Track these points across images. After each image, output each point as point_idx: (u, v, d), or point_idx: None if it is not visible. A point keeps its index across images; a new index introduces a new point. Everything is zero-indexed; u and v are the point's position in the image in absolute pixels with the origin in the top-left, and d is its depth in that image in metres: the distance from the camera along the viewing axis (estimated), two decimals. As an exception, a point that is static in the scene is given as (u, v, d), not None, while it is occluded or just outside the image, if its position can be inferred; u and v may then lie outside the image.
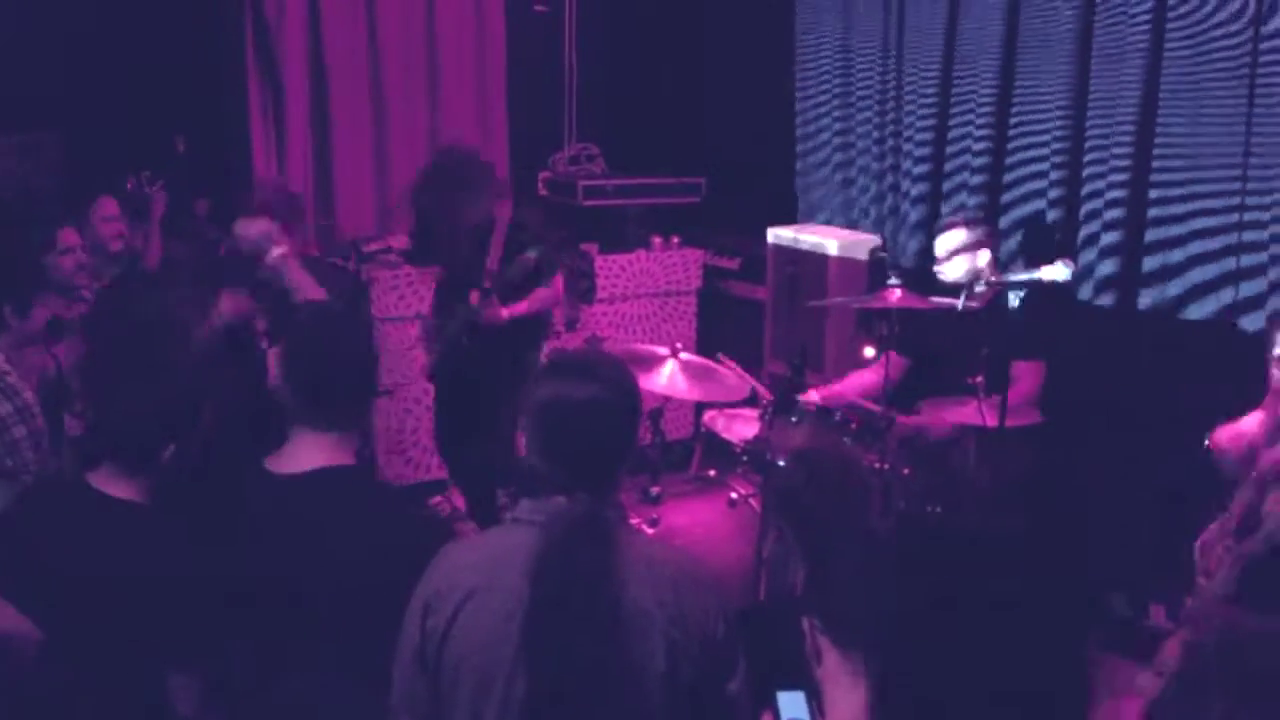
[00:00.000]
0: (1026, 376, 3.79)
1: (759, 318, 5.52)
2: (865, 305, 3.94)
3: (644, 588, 1.91)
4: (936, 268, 4.00)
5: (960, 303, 3.50)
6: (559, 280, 4.51)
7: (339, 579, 2.20)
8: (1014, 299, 3.51)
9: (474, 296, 4.24)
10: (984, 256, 3.92)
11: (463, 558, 2.03)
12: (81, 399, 3.39)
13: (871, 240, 5.06)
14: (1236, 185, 3.85)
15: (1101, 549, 3.88)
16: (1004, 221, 4.52)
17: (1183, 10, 3.91)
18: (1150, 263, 4.06)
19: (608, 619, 1.87)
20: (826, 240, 5.10)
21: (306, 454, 2.34)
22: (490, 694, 1.90)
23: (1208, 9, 3.84)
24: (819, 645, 1.62)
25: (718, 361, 4.23)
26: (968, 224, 3.99)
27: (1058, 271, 3.13)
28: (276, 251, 3.49)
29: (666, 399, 4.23)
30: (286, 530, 2.26)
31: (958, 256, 3.94)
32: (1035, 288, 3.29)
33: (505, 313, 4.26)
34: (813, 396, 3.96)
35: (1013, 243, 4.49)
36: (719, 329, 5.77)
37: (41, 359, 3.60)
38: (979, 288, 3.75)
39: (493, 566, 1.95)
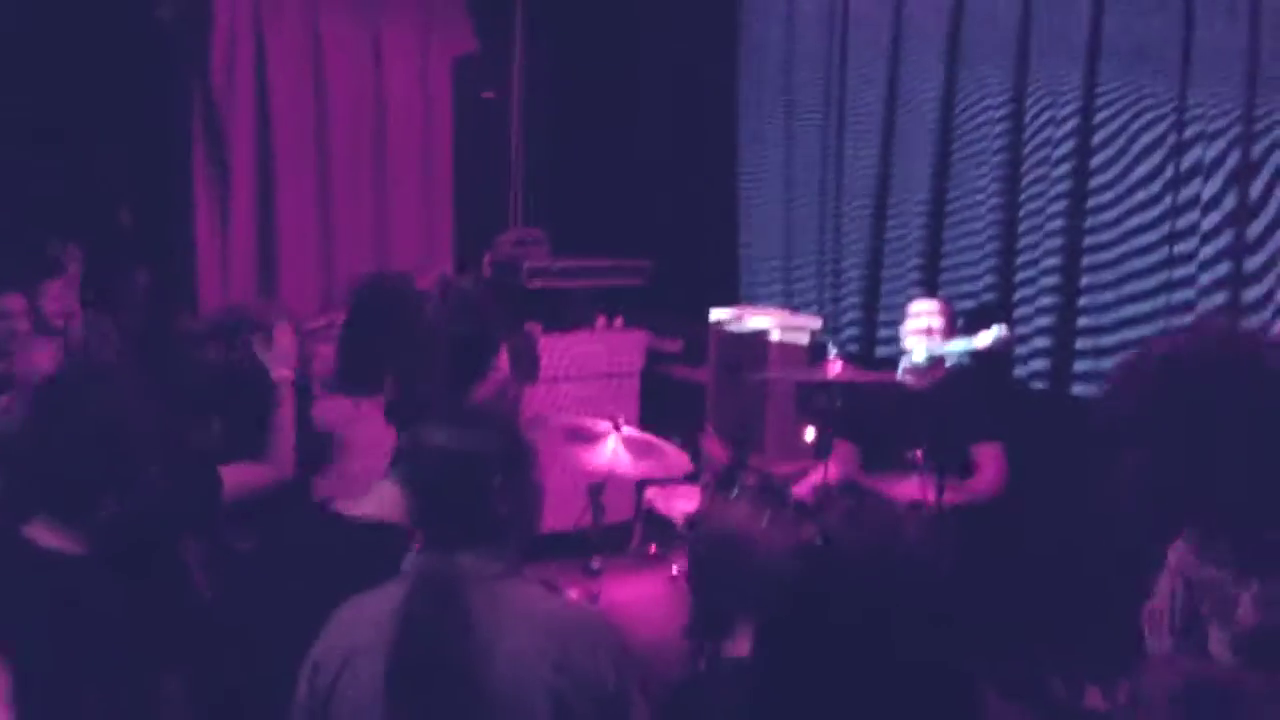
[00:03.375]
0: (989, 462, 3.83)
1: (700, 400, 5.55)
2: (806, 378, 3.97)
3: (522, 639, 1.87)
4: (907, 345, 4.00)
5: (900, 374, 3.55)
6: (503, 359, 4.49)
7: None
8: (961, 378, 3.52)
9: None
10: (919, 351, 3.94)
11: (347, 617, 1.99)
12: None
13: (813, 321, 5.13)
14: (1164, 272, 3.97)
15: (1037, 632, 3.89)
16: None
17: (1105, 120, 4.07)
18: (1083, 343, 4.15)
19: (472, 678, 1.82)
20: (768, 322, 5.17)
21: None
22: None
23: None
24: None
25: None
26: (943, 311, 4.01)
27: (990, 338, 3.19)
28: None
29: (608, 476, 4.23)
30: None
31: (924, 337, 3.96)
32: (977, 361, 3.32)
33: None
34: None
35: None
36: (661, 411, 5.79)
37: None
38: (919, 361, 3.80)
39: (373, 625, 1.91)
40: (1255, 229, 3.67)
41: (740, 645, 2.38)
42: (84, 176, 5.02)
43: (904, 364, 3.73)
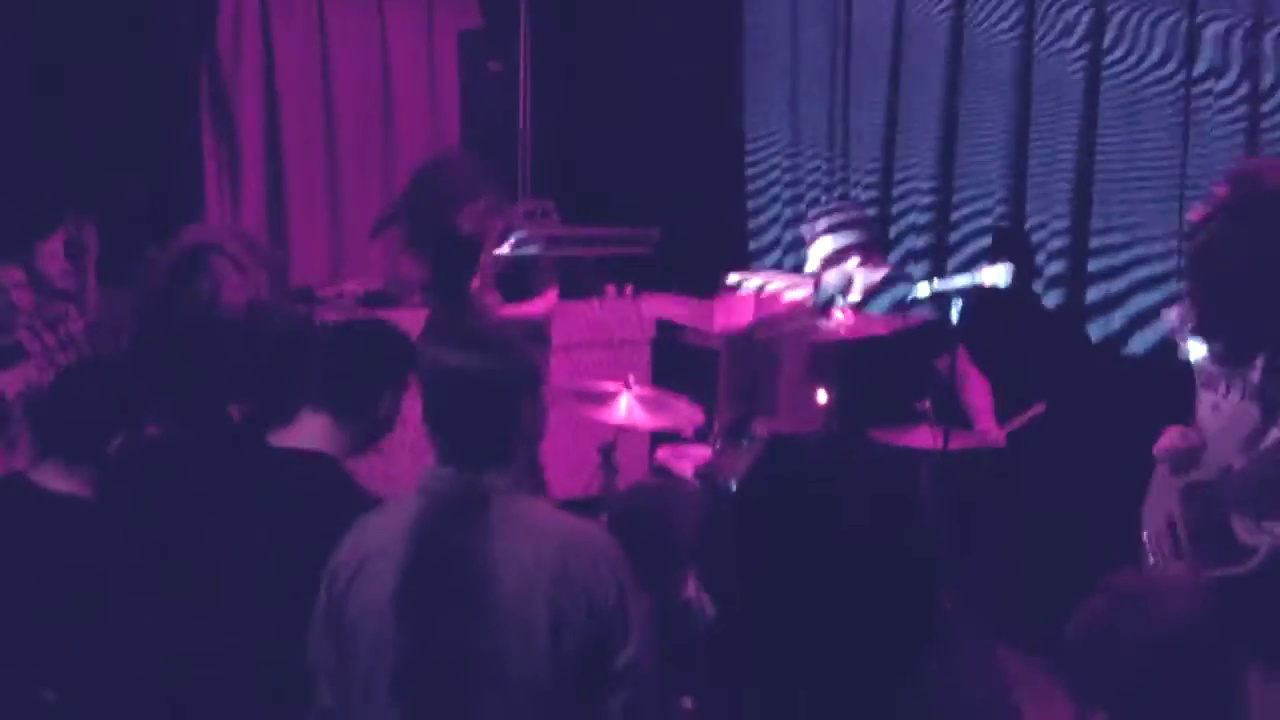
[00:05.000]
0: (978, 395, 3.81)
1: (712, 366, 5.54)
2: (814, 329, 3.95)
3: (527, 554, 1.90)
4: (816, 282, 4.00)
5: (836, 314, 3.52)
6: (553, 293, 4.52)
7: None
8: (954, 312, 3.50)
9: (475, 282, 4.21)
10: (853, 263, 3.93)
11: (367, 525, 2.04)
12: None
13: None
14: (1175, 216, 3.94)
15: (1049, 571, 3.88)
16: (951, 261, 4.60)
17: (1118, 54, 4.04)
18: (1094, 294, 4.13)
19: (478, 593, 1.87)
20: (778, 285, 5.15)
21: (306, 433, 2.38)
22: (382, 660, 1.91)
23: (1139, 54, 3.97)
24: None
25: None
26: (831, 230, 3.99)
27: (997, 274, 3.16)
28: None
29: (618, 433, 4.24)
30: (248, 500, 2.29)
31: (830, 268, 3.95)
32: (974, 297, 3.28)
33: (498, 307, 4.24)
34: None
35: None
36: (673, 378, 5.78)
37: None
38: (854, 296, 3.77)
39: (386, 535, 1.97)
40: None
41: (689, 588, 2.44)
42: (93, 154, 5.05)
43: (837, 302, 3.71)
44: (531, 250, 4.25)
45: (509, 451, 2.02)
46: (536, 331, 4.49)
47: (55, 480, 2.38)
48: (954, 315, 3.28)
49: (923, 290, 3.63)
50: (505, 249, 4.33)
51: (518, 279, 4.37)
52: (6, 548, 2.28)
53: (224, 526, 2.32)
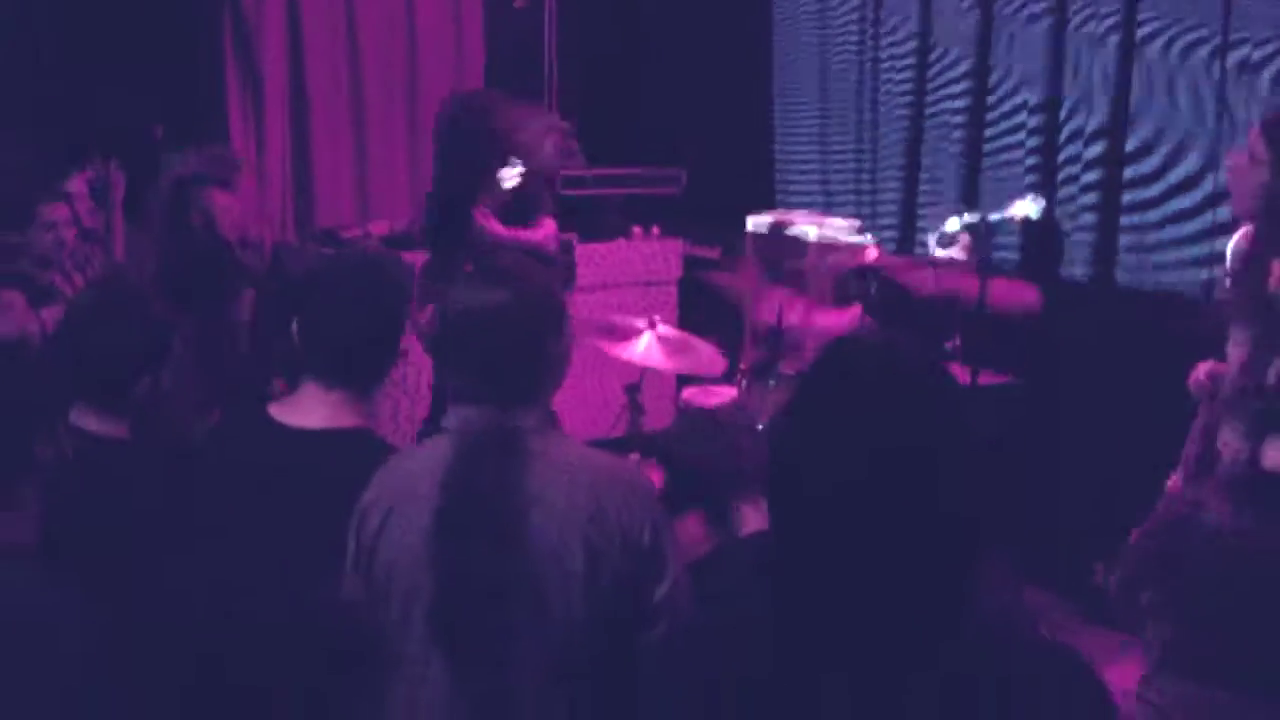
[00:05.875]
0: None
1: (740, 305, 5.50)
2: (842, 265, 3.92)
3: (561, 491, 1.88)
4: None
5: (932, 251, 3.47)
6: (550, 224, 4.48)
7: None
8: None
9: (477, 214, 4.19)
10: (951, 222, 3.86)
11: (392, 469, 2.02)
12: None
13: (851, 223, 5.06)
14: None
15: (1079, 518, 3.86)
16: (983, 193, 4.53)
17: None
18: (1126, 240, 4.06)
19: (513, 529, 1.85)
20: (805, 225, 5.10)
21: (316, 409, 2.21)
22: (417, 601, 1.90)
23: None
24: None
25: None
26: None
27: (1027, 207, 3.11)
28: None
29: (644, 373, 4.22)
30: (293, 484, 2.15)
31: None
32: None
33: (498, 227, 4.21)
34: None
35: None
36: (700, 318, 5.76)
37: (30, 325, 3.65)
38: (951, 230, 3.72)
39: (414, 477, 1.95)
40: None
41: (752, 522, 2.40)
42: (118, 96, 5.04)
43: (934, 240, 3.66)
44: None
45: (536, 389, 1.99)
46: (542, 258, 4.47)
47: (91, 422, 2.38)
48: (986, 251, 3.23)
49: (953, 224, 3.59)
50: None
51: (517, 210, 4.33)
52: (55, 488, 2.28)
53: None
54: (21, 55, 4.86)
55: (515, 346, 1.96)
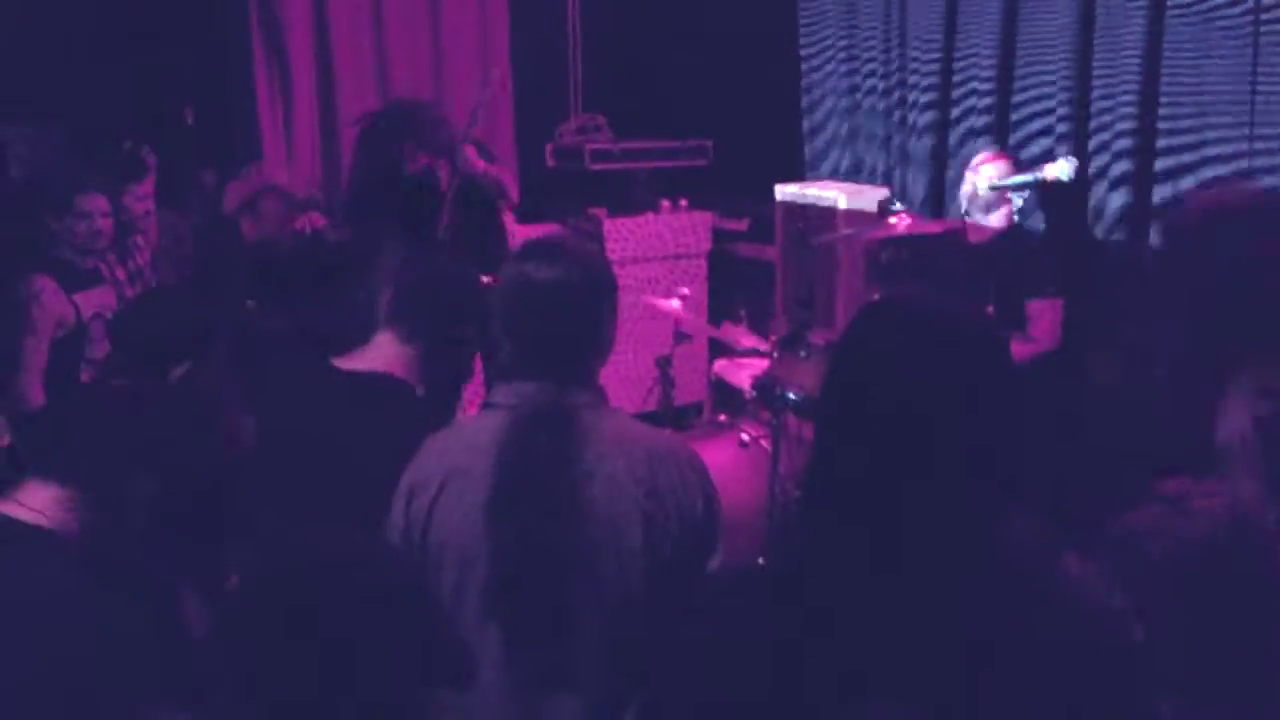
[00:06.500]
0: (1043, 316, 3.72)
1: (770, 277, 5.50)
2: (872, 234, 3.90)
3: (618, 465, 1.90)
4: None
5: (964, 214, 3.44)
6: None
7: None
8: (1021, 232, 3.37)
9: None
10: (983, 181, 3.77)
11: (442, 444, 2.04)
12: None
13: (880, 192, 5.03)
14: (1245, 125, 3.80)
15: (1120, 479, 3.83)
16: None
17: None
18: (1160, 193, 4.01)
19: (571, 501, 1.86)
20: (834, 194, 5.08)
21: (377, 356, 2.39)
22: (471, 575, 1.91)
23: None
24: None
25: (736, 320, 4.23)
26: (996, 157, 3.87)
27: (1059, 169, 3.08)
28: None
29: (675, 347, 4.24)
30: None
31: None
32: (1044, 196, 3.18)
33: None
34: None
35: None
36: (730, 290, 5.76)
37: (62, 307, 3.71)
38: (983, 192, 3.67)
39: (467, 451, 1.96)
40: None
41: None
42: (149, 81, 5.08)
43: (965, 204, 3.62)
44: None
45: (590, 365, 2.01)
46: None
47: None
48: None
49: (983, 183, 3.55)
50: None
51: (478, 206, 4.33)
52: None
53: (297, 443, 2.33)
54: (53, 45, 4.89)
55: (575, 323, 1.97)
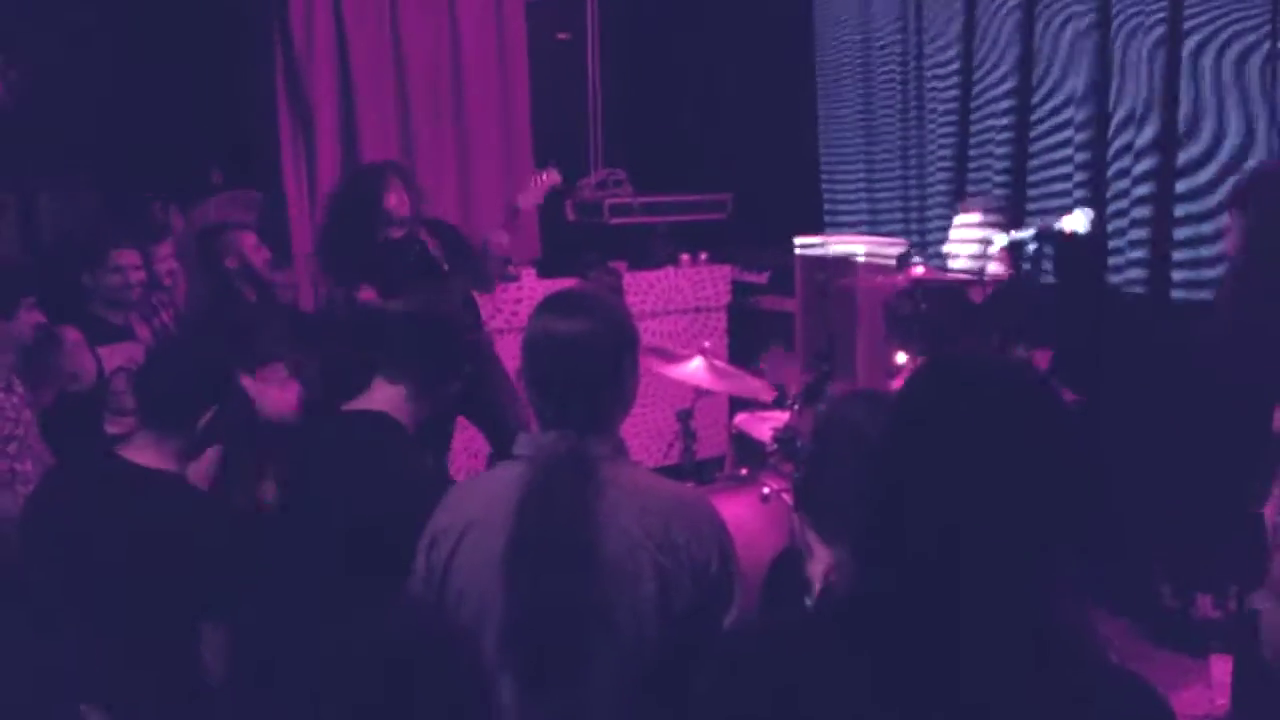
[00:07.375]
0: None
1: (789, 330, 5.52)
2: (890, 283, 3.91)
3: (633, 518, 1.91)
4: (945, 247, 3.94)
5: (981, 269, 3.45)
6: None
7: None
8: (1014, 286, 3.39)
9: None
10: (998, 239, 3.84)
11: (465, 492, 2.07)
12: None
13: (899, 245, 5.05)
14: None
15: (1144, 539, 3.80)
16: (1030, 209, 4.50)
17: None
18: (1180, 256, 4.00)
19: (587, 553, 1.87)
20: (854, 247, 5.10)
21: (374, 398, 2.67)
22: (487, 624, 1.92)
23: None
24: (808, 541, 1.85)
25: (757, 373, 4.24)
26: (984, 210, 3.94)
27: (1077, 221, 3.08)
28: None
29: (696, 401, 4.24)
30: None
31: (970, 240, 3.87)
32: (1061, 249, 3.19)
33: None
34: None
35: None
36: (750, 343, 5.78)
37: (83, 362, 3.74)
38: (992, 265, 3.69)
39: (488, 502, 1.98)
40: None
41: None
42: (176, 141, 5.15)
43: (973, 261, 3.63)
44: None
45: (611, 417, 2.03)
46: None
47: (143, 455, 2.44)
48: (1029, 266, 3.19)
49: (999, 241, 3.56)
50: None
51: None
52: (98, 520, 2.35)
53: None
54: (84, 102, 4.97)
55: (597, 375, 1.99)
